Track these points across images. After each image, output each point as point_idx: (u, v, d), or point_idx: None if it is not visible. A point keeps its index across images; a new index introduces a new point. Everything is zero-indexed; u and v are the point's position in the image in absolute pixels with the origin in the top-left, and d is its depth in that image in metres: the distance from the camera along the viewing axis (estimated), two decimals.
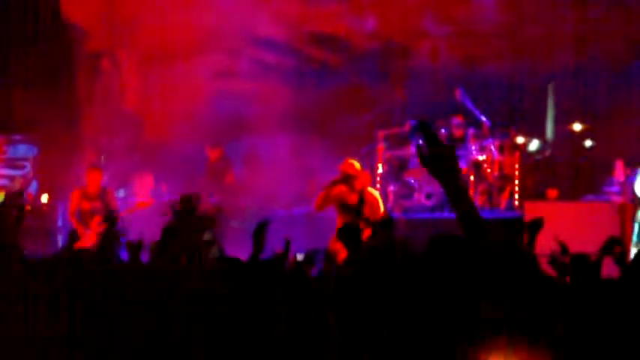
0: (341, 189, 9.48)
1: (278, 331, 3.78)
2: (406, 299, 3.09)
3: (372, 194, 9.53)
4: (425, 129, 3.14)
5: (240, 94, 12.72)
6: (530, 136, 13.60)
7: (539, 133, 13.88)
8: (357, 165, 9.56)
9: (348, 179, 9.44)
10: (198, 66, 12.83)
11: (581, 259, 4.49)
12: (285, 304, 3.88)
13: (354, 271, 3.89)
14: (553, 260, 4.61)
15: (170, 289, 4.10)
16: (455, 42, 13.55)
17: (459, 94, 12.74)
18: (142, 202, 11.95)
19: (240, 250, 5.69)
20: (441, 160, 3.07)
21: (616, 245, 4.83)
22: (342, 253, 9.09)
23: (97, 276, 4.32)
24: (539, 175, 12.97)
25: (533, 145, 13.54)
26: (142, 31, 13.32)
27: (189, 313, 3.87)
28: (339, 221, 9.50)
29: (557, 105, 13.90)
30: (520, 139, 13.09)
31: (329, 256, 6.53)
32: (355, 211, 9.38)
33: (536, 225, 4.94)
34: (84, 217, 11.23)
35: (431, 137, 3.12)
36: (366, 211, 9.34)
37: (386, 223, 6.73)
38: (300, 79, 13.23)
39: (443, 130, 12.55)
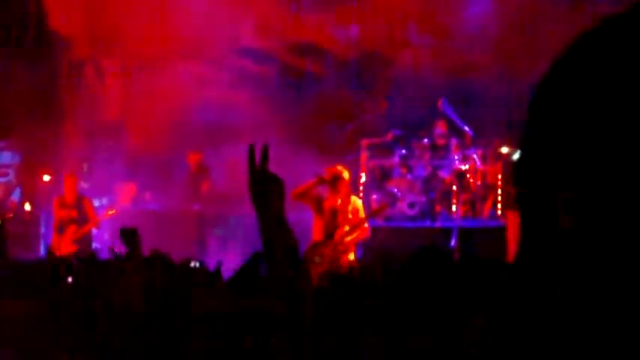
0: (325, 190, 9.41)
1: None
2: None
3: (355, 201, 9.49)
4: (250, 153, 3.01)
5: (221, 103, 12.71)
6: (515, 146, 13.55)
7: None
8: (346, 174, 9.47)
9: (334, 182, 9.32)
10: (179, 74, 12.83)
11: None
12: None
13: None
14: None
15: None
16: (438, 52, 13.52)
17: (441, 104, 12.73)
18: (109, 211, 11.79)
19: (221, 256, 5.62)
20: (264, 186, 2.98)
21: None
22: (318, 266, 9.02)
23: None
24: None
25: (518, 155, 13.44)
26: (124, 40, 13.31)
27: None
28: (315, 226, 9.40)
29: None
30: (505, 149, 13.04)
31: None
32: (332, 215, 9.33)
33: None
34: (61, 225, 11.27)
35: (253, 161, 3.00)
36: (351, 217, 9.29)
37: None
38: (283, 88, 13.22)
39: (426, 140, 12.53)
